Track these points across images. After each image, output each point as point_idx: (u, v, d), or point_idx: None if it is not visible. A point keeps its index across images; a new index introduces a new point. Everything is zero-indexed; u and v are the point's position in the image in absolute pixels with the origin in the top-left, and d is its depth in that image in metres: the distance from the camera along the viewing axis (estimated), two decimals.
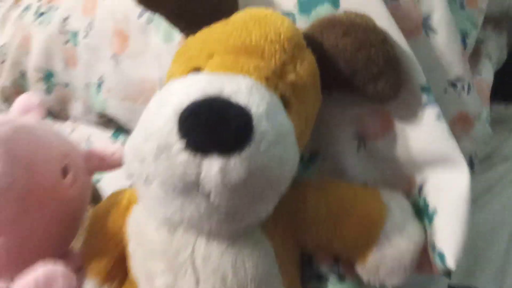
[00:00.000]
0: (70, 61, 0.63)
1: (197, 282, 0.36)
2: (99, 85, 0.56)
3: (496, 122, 0.66)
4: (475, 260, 0.56)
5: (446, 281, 0.54)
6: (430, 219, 0.39)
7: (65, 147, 0.45)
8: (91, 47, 0.55)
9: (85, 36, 0.56)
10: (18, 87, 0.77)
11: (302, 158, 0.39)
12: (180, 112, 0.30)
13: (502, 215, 0.59)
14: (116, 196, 0.43)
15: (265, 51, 0.34)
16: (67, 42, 0.61)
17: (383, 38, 0.37)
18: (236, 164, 0.29)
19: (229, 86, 0.31)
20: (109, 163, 0.49)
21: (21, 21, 0.74)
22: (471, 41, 0.52)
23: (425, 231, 0.40)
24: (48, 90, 0.70)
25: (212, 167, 0.29)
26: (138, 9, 0.49)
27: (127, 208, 0.41)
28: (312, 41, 0.37)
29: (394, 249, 0.38)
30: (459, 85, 0.44)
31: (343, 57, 0.37)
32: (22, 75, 0.75)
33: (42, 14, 0.68)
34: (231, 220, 0.33)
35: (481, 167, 0.56)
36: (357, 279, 0.42)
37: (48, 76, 0.68)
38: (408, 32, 0.42)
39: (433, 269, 0.40)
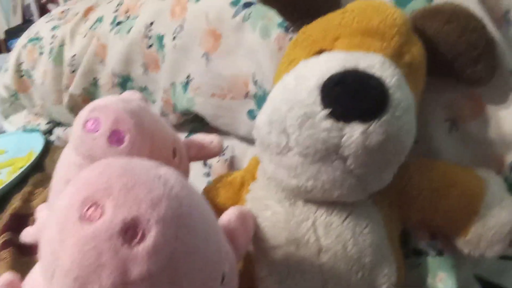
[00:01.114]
0: (151, 65, 0.67)
1: (319, 250, 0.38)
2: (187, 84, 0.60)
3: None
4: None
5: None
6: None
7: (173, 132, 0.48)
8: (180, 48, 0.59)
9: (174, 38, 0.60)
10: (87, 95, 0.82)
11: None
12: (322, 83, 0.33)
13: None
14: (226, 178, 0.46)
15: (385, 34, 0.37)
16: (150, 46, 0.65)
17: (483, 24, 0.41)
18: (376, 128, 0.32)
19: (364, 61, 0.34)
20: (207, 152, 0.52)
21: (95, 31, 0.78)
22: None
23: None
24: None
25: (354, 132, 0.32)
26: (231, 9, 0.54)
27: (242, 186, 0.44)
28: (416, 28, 0.41)
29: (495, 220, 0.41)
30: None
31: (446, 42, 0.41)
32: (95, 82, 0.79)
33: (119, 23, 0.73)
34: (361, 185, 0.36)
35: None
36: (455, 253, 0.44)
37: (125, 81, 0.72)
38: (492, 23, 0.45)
39: None
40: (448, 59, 0.41)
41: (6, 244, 0.68)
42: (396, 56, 0.37)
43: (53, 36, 0.90)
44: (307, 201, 0.39)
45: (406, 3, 0.44)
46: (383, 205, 0.41)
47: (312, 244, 0.38)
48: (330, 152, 0.34)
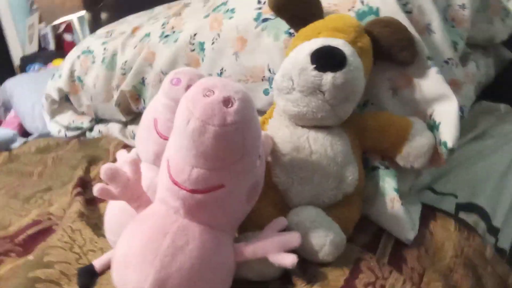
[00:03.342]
0: (192, 63, 1.02)
1: (311, 153, 0.71)
2: (221, 74, 0.95)
3: (487, 113, 1.07)
4: (477, 183, 0.92)
5: (453, 200, 0.89)
6: (437, 128, 0.76)
7: None
8: (217, 50, 0.95)
9: (212, 43, 0.95)
10: (135, 91, 1.16)
11: (359, 105, 0.77)
12: (311, 52, 0.68)
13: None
14: None
15: (346, 31, 0.73)
16: (193, 50, 1.01)
17: (406, 28, 0.76)
18: (340, 75, 0.67)
19: (334, 42, 0.69)
20: None
21: (144, 43, 1.14)
22: (460, 47, 0.92)
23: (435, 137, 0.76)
24: None
25: (328, 77, 0.67)
26: (254, 22, 0.89)
27: (264, 123, 0.77)
28: (367, 30, 0.76)
29: (418, 143, 0.74)
30: (450, 62, 0.83)
31: (384, 38, 0.76)
32: (142, 81, 1.14)
33: (167, 36, 1.08)
34: (334, 111, 0.69)
35: (475, 140, 0.96)
36: (396, 168, 0.78)
37: None
38: (418, 31, 0.80)
39: (440, 161, 0.76)
40: (386, 49, 0.76)
41: (78, 194, 1.01)
42: (352, 43, 0.72)
43: (104, 49, 1.26)
44: (303, 126, 0.73)
45: (363, 18, 0.80)
46: (350, 133, 0.75)
47: (306, 150, 0.71)
48: (315, 89, 0.68)
